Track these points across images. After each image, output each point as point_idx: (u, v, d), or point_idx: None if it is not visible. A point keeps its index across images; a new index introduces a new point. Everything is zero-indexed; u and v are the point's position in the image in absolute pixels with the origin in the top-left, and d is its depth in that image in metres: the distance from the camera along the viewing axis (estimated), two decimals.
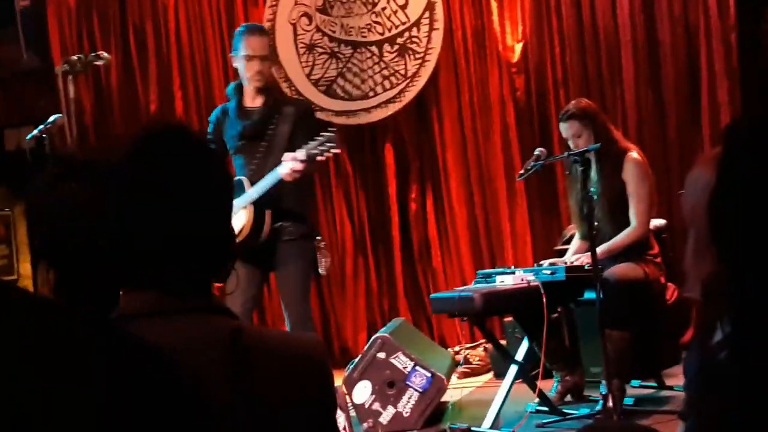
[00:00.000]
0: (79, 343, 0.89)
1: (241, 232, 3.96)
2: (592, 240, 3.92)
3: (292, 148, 3.95)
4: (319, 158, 3.93)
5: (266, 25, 6.06)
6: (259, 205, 4.01)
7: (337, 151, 4.01)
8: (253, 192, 4.00)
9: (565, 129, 4.33)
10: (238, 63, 4.19)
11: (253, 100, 4.19)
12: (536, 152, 4.38)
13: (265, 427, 1.27)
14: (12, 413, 0.81)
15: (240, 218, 4.00)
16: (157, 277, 1.34)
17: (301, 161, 3.86)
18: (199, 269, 1.36)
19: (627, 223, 4.26)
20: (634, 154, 4.28)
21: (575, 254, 4.42)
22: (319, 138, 3.92)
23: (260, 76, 4.14)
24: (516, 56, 5.88)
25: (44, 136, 4.05)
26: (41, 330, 0.88)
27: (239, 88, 4.23)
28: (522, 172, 4.42)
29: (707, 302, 1.79)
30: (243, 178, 4.07)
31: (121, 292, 1.38)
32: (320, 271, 4.17)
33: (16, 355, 0.84)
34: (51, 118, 4.07)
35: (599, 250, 4.00)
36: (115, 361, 0.92)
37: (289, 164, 3.87)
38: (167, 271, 1.34)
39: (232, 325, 1.33)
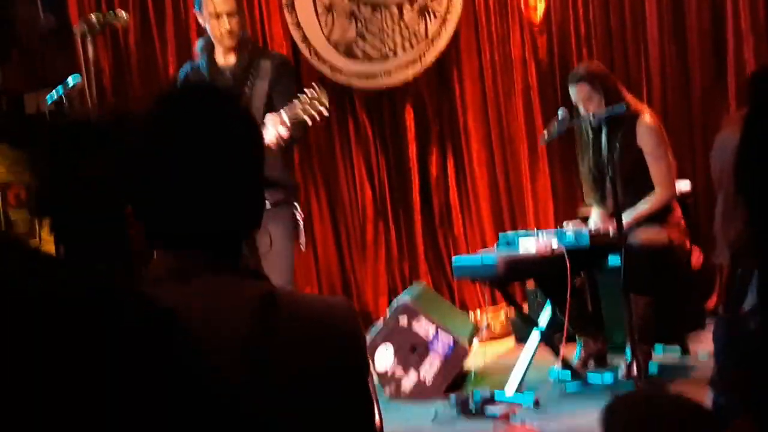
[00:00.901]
0: (84, 307, 0.86)
1: None
2: (616, 204, 3.85)
3: (270, 108, 3.66)
4: (307, 121, 3.58)
5: None
6: None
7: (325, 112, 3.60)
8: None
9: (575, 93, 4.24)
10: (206, 20, 3.86)
11: (225, 57, 3.88)
12: (560, 112, 4.30)
13: (295, 394, 1.25)
14: (13, 378, 0.78)
15: None
16: (186, 238, 1.32)
17: (287, 126, 3.53)
18: (230, 228, 1.34)
19: (644, 189, 4.17)
20: (646, 117, 4.18)
21: (598, 221, 4.36)
22: (304, 96, 3.57)
23: (231, 35, 3.82)
24: (539, 16, 5.78)
25: (64, 99, 4.03)
26: (45, 290, 0.85)
27: (209, 44, 3.91)
28: (544, 135, 4.36)
29: (735, 266, 1.75)
30: None
31: (154, 252, 1.36)
32: (300, 246, 3.90)
33: (19, 316, 0.81)
34: (70, 81, 4.04)
35: (625, 219, 3.92)
36: (122, 327, 0.89)
37: (273, 130, 3.52)
38: (196, 232, 1.32)
39: (264, 288, 1.31)
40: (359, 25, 6.00)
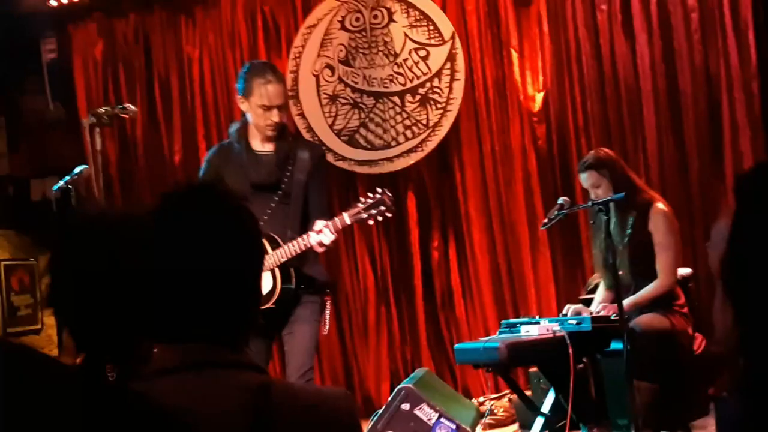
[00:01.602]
0: (88, 410, 0.89)
1: (266, 296, 3.70)
2: (617, 290, 3.90)
3: (304, 203, 3.78)
4: (369, 222, 3.77)
5: (289, 76, 6.13)
6: (284, 268, 3.76)
7: (390, 215, 3.79)
8: (279, 255, 3.73)
9: (585, 179, 4.34)
10: (250, 109, 3.86)
11: (262, 144, 3.88)
12: (560, 201, 4.38)
13: None
14: None
15: (266, 281, 3.71)
16: (185, 333, 1.35)
17: (340, 231, 3.67)
18: (226, 326, 1.37)
19: (651, 274, 4.23)
20: (660, 205, 4.27)
21: (601, 303, 4.39)
22: (368, 200, 3.74)
23: (275, 126, 3.84)
24: (537, 105, 5.91)
25: (70, 187, 4.08)
26: (49, 397, 0.88)
27: (245, 129, 3.91)
28: (545, 221, 4.42)
29: (729, 358, 1.77)
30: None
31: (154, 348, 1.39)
32: (324, 329, 3.96)
33: (26, 421, 0.84)
34: (77, 169, 4.10)
35: (626, 303, 3.96)
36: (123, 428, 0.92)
37: (326, 237, 3.65)
38: (196, 328, 1.35)
39: (259, 380, 1.33)
40: (362, 114, 6.13)
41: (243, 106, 3.90)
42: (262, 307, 3.61)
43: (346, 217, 3.73)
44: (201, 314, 1.35)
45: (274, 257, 3.72)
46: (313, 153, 3.94)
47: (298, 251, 3.72)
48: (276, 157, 3.85)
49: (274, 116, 3.82)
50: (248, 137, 3.89)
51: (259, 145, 3.89)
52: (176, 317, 1.35)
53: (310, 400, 1.35)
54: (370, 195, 3.79)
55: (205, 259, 1.35)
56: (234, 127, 3.99)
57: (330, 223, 3.69)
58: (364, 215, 3.74)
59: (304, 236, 3.72)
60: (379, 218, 3.78)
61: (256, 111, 3.83)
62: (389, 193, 3.83)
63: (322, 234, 3.65)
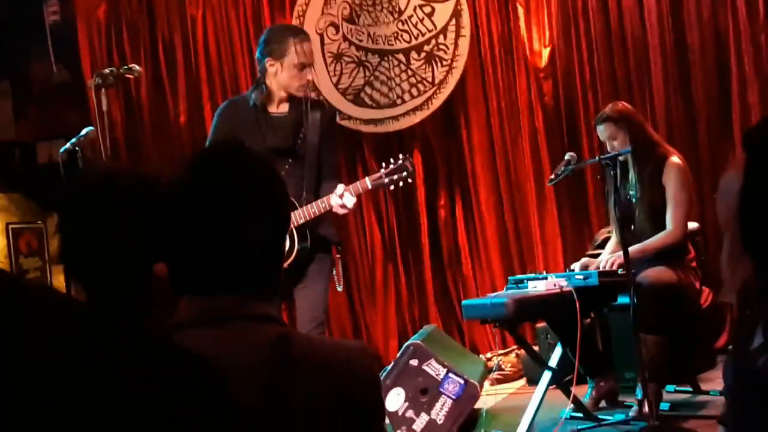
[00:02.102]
0: (113, 348, 0.90)
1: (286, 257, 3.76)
2: (625, 244, 3.90)
3: (318, 165, 3.83)
4: (390, 187, 3.84)
5: None
6: (300, 229, 3.80)
7: (411, 181, 3.87)
8: (297, 217, 3.76)
9: (601, 132, 4.33)
10: (279, 68, 3.84)
11: (278, 106, 3.90)
12: (566, 157, 4.37)
13: None
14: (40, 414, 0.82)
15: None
16: (211, 286, 1.37)
17: (356, 195, 3.72)
18: (253, 280, 1.39)
19: (666, 227, 4.23)
20: (675, 158, 4.26)
21: (610, 253, 4.40)
22: (390, 166, 3.80)
23: (309, 86, 3.89)
24: (543, 61, 5.87)
25: (77, 149, 4.08)
26: (68, 330, 0.89)
27: (264, 90, 3.89)
28: (552, 177, 4.41)
29: (743, 308, 1.77)
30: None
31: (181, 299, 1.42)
32: (338, 287, 4.09)
33: (43, 355, 0.85)
34: (83, 131, 4.10)
35: (632, 249, 3.97)
36: (150, 368, 0.93)
37: (349, 200, 3.70)
38: (221, 281, 1.37)
39: (278, 332, 1.34)
40: (367, 72, 6.10)
41: (273, 68, 3.85)
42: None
43: (368, 182, 3.80)
44: (227, 269, 1.37)
45: (292, 219, 3.76)
46: (324, 114, 3.95)
47: (317, 213, 3.76)
48: (290, 120, 3.86)
49: (309, 74, 3.85)
50: (266, 100, 3.89)
51: (275, 107, 3.90)
52: (201, 272, 1.38)
53: (330, 353, 1.36)
54: (392, 161, 3.84)
55: (233, 221, 1.38)
56: (253, 90, 3.95)
57: (351, 186, 3.75)
58: (386, 180, 3.81)
59: (324, 199, 3.76)
60: (401, 184, 3.83)
61: (290, 71, 3.81)
62: (411, 159, 3.88)
63: (344, 197, 3.70)
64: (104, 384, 0.86)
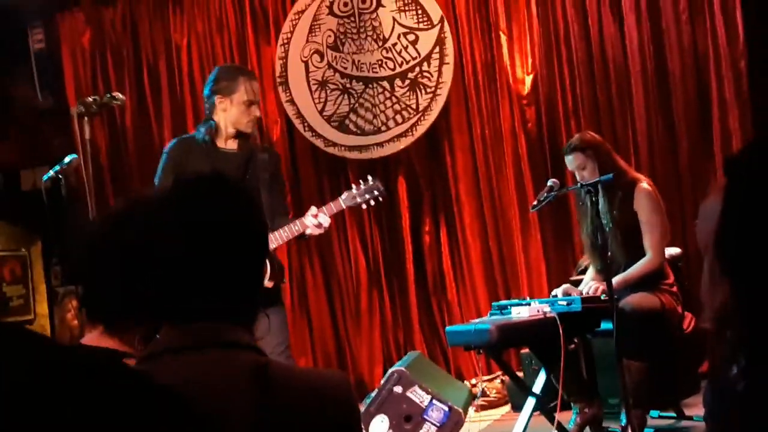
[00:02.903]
0: (83, 386, 0.90)
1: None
2: (607, 270, 3.92)
3: (270, 197, 3.89)
4: (362, 206, 4.02)
5: (278, 63, 6.15)
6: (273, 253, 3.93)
7: (382, 200, 4.06)
8: (273, 241, 3.84)
9: (570, 162, 4.37)
10: (228, 105, 3.95)
11: (226, 143, 3.99)
12: (549, 183, 4.40)
13: None
14: None
15: None
16: (190, 314, 1.38)
17: (330, 215, 3.87)
18: (232, 307, 1.40)
19: (641, 253, 4.26)
20: (644, 184, 4.30)
21: (589, 283, 4.41)
22: (361, 186, 3.99)
23: (255, 121, 4.03)
24: (526, 88, 5.91)
25: (60, 176, 4.08)
26: (46, 376, 0.89)
27: (213, 128, 3.97)
28: (535, 203, 4.43)
29: (721, 333, 1.78)
30: None
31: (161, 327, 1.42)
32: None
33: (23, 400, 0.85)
34: (67, 159, 4.09)
35: (615, 281, 4.00)
36: (120, 406, 0.93)
37: (324, 219, 3.84)
38: (201, 309, 1.38)
39: (258, 361, 1.35)
40: (352, 99, 6.13)
41: (222, 105, 3.96)
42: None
43: (341, 202, 3.95)
44: (207, 296, 1.38)
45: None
46: (272, 155, 4.14)
47: (290, 237, 3.86)
48: (240, 155, 3.97)
49: (257, 111, 3.98)
50: (214, 137, 3.98)
51: (223, 143, 3.99)
52: (182, 298, 1.38)
53: (308, 381, 1.37)
54: (362, 181, 4.00)
55: (214, 244, 1.39)
56: (203, 126, 4.03)
57: (325, 207, 3.89)
58: (359, 200, 3.97)
59: (296, 222, 3.85)
60: (372, 203, 4.01)
61: (239, 108, 3.94)
62: (379, 181, 4.07)
63: (319, 217, 3.83)
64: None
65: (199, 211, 1.41)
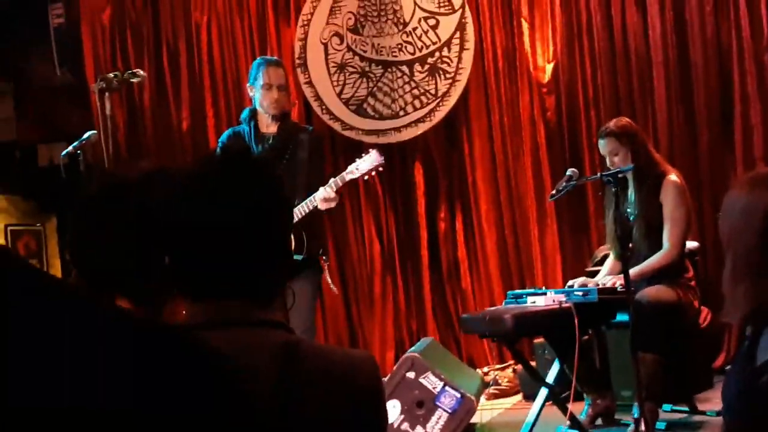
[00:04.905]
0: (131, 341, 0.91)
1: None
2: (625, 261, 3.90)
3: (307, 177, 4.18)
4: (365, 178, 4.19)
5: (297, 44, 6.12)
6: (297, 227, 4.09)
7: (381, 169, 4.21)
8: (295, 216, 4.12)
9: (603, 146, 4.33)
10: (256, 92, 4.36)
11: (267, 127, 4.36)
12: (568, 172, 4.36)
13: None
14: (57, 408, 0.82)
15: None
16: (216, 290, 1.37)
17: (336, 191, 4.08)
18: (258, 285, 1.40)
19: (663, 245, 4.23)
20: (673, 177, 4.27)
21: (608, 275, 4.39)
22: (363, 158, 4.15)
23: (277, 104, 4.32)
24: (547, 76, 5.87)
25: (78, 152, 4.08)
26: (91, 324, 0.89)
27: (254, 114, 4.38)
28: (554, 192, 4.40)
29: (745, 325, 1.76)
30: None
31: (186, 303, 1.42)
32: (332, 289, 4.46)
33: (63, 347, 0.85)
34: (85, 135, 4.10)
35: (632, 272, 3.97)
36: (166, 363, 0.93)
37: (330, 193, 4.08)
38: (226, 286, 1.38)
39: (285, 338, 1.35)
40: (370, 83, 6.11)
41: (252, 93, 4.41)
42: None
43: (345, 175, 4.14)
44: (232, 273, 1.37)
45: None
46: (313, 136, 4.45)
47: (306, 212, 4.12)
48: (279, 136, 4.31)
49: (274, 93, 4.30)
50: (256, 121, 4.38)
51: (265, 128, 4.37)
52: (208, 275, 1.38)
53: (336, 361, 1.37)
54: (364, 154, 4.22)
55: (240, 219, 1.38)
56: (245, 113, 4.45)
57: (331, 181, 4.12)
58: (362, 171, 4.14)
59: (311, 198, 4.13)
60: (373, 173, 4.19)
61: (261, 92, 4.33)
62: (378, 152, 4.22)
63: (325, 192, 4.07)
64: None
65: (219, 186, 1.40)
